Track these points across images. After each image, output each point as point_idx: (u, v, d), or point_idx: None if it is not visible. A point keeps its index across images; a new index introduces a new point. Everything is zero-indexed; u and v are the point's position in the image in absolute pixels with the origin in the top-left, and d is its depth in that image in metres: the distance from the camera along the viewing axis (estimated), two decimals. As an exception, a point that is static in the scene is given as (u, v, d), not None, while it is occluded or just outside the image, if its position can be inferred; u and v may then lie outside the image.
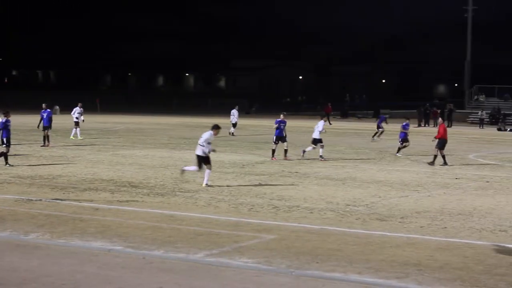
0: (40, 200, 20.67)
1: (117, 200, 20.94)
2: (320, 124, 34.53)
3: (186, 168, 24.74)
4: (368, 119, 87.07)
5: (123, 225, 17.22)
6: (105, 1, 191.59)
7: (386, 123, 50.52)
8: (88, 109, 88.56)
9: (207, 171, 24.11)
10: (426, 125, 73.32)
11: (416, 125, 71.97)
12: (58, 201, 20.57)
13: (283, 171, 29.07)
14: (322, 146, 34.19)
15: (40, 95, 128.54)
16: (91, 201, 20.72)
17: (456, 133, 60.13)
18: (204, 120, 75.44)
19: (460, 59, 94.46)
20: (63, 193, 22.06)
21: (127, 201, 20.87)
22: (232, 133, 50.57)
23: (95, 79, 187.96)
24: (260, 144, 43.26)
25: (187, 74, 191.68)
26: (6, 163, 28.63)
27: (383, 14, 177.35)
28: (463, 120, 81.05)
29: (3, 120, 29.48)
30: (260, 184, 24.95)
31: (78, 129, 44.13)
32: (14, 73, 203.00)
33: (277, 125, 34.19)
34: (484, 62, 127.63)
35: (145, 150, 37.21)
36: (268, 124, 64.48)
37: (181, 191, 22.93)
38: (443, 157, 32.83)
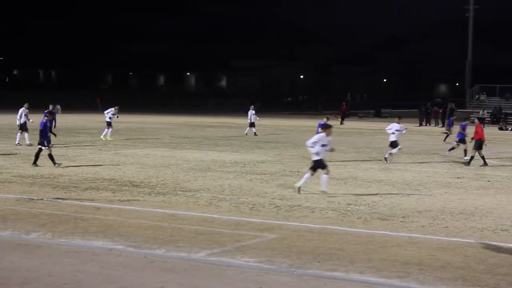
0: (42, 199, 20.67)
1: (119, 200, 20.94)
2: (393, 126, 33.81)
3: (301, 183, 22.90)
4: (369, 119, 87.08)
5: (125, 224, 17.21)
6: (105, 1, 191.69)
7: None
8: (89, 108, 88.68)
9: (324, 176, 22.71)
10: (428, 125, 73.30)
11: (418, 125, 71.98)
12: (59, 200, 20.57)
13: (284, 170, 29.06)
14: (396, 149, 33.41)
15: (41, 94, 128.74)
16: (93, 200, 20.72)
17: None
18: (205, 119, 75.52)
19: (461, 59, 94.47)
20: (65, 192, 22.06)
21: (128, 200, 20.87)
22: (255, 132, 50.00)
23: (96, 78, 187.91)
24: (261, 143, 43.24)
25: (188, 74, 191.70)
26: (54, 163, 28.51)
27: (383, 14, 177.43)
28: (465, 119, 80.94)
29: (44, 121, 29.29)
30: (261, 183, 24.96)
31: (110, 129, 43.78)
32: (15, 72, 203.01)
33: (320, 128, 33.07)
34: (485, 62, 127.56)
35: (146, 150, 37.21)
36: (269, 124, 64.56)
37: (182, 190, 22.93)
38: (482, 157, 32.48)
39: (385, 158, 33.20)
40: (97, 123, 60.51)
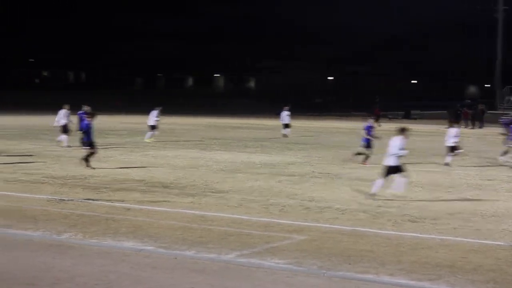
0: (72, 200, 20.78)
1: (148, 201, 21.00)
2: (452, 131, 33.55)
3: (375, 189, 22.44)
4: (399, 120, 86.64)
5: (154, 225, 17.26)
6: (141, 2, 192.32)
7: None
8: (118, 110, 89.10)
9: (402, 179, 22.37)
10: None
11: (447, 126, 71.53)
12: (90, 201, 20.68)
13: (314, 172, 29.01)
14: (455, 154, 33.17)
15: (71, 95, 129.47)
16: (123, 201, 20.80)
17: (488, 134, 59.79)
18: (234, 121, 75.60)
19: (491, 59, 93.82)
20: (95, 193, 22.17)
21: (158, 201, 20.93)
22: (285, 134, 49.70)
23: (125, 80, 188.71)
24: (290, 145, 43.20)
25: (216, 75, 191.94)
26: (87, 165, 28.48)
27: (410, 13, 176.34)
28: (495, 121, 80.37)
29: (86, 122, 29.42)
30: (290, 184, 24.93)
31: (154, 132, 43.75)
32: (45, 73, 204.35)
33: (366, 130, 32.82)
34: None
35: (176, 151, 37.31)
36: (297, 125, 64.41)
37: (212, 192, 22.95)
38: None
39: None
40: (127, 125, 60.82)
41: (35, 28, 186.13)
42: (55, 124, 39.37)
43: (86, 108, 38.98)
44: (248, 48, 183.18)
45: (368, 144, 32.54)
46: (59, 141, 38.44)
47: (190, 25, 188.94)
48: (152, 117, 44.41)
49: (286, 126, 50.17)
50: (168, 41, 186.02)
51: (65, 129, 38.32)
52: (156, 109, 44.64)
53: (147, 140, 43.05)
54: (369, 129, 32.86)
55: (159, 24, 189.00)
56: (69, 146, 37.30)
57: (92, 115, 30.32)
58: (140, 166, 29.99)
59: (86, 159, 28.78)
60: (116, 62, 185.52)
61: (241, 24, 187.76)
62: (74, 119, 40.61)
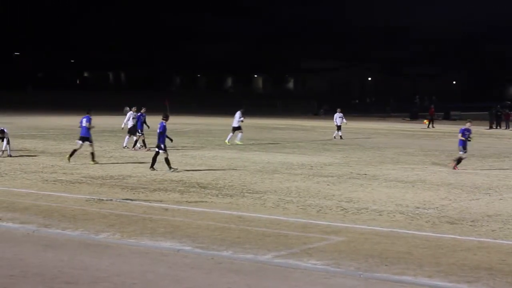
0: (111, 200, 20.93)
1: (186, 201, 21.08)
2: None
3: None
4: (438, 121, 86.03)
5: (192, 225, 17.32)
6: (177, 2, 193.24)
7: None
8: (158, 110, 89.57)
9: None
10: (498, 127, 72.13)
11: (488, 127, 70.95)
12: (128, 201, 20.80)
13: (351, 173, 28.92)
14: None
15: (111, 96, 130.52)
16: (161, 201, 20.90)
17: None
18: (272, 121, 75.59)
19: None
20: (133, 193, 22.30)
21: (196, 201, 21.00)
22: (339, 136, 48.98)
23: (165, 80, 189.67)
24: (328, 145, 43.13)
25: (255, 76, 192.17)
26: (170, 167, 28.07)
27: (454, 14, 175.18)
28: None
29: (163, 123, 29.32)
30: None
31: (240, 134, 42.79)
32: (85, 74, 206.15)
33: (461, 133, 32.08)
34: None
35: (214, 151, 37.40)
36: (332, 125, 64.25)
37: (250, 192, 22.98)
38: None
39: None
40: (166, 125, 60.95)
41: (105, 30, 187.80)
42: (123, 126, 39.10)
43: (143, 109, 38.55)
44: (288, 48, 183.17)
45: (464, 147, 31.64)
46: (126, 144, 38.20)
47: (258, 26, 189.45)
48: (236, 119, 43.21)
49: (338, 128, 49.52)
50: (237, 42, 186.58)
51: (131, 131, 38.06)
52: (240, 111, 43.40)
53: (238, 143, 41.77)
54: (464, 132, 31.57)
55: (227, 25, 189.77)
56: (126, 147, 37.33)
57: (167, 117, 29.73)
58: (178, 166, 30.07)
59: (167, 161, 28.60)
60: (155, 63, 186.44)
61: (310, 25, 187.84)
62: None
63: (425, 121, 72.12)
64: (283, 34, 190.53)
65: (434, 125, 71.28)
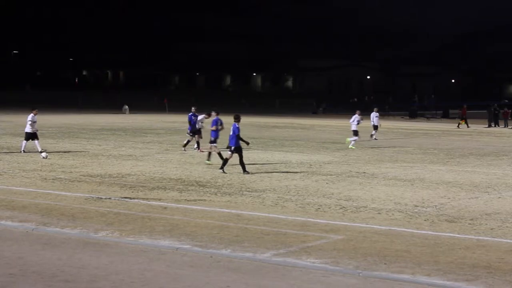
0: (110, 198, 20.93)
1: (185, 199, 21.09)
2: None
3: None
4: (437, 120, 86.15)
5: (191, 224, 17.33)
6: (174, 1, 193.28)
7: None
8: (157, 108, 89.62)
9: None
10: (496, 126, 72.08)
11: (487, 126, 70.94)
12: (127, 199, 20.81)
13: (350, 171, 28.92)
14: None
15: (110, 95, 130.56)
16: (160, 199, 20.91)
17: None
18: (271, 120, 75.60)
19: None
20: (132, 192, 22.31)
21: (194, 200, 21.01)
22: (372, 135, 47.94)
23: (163, 79, 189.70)
24: (327, 144, 43.13)
25: (254, 74, 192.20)
26: (244, 170, 27.46)
27: (453, 13, 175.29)
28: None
29: (237, 125, 29.07)
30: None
31: (357, 138, 41.06)
32: (84, 73, 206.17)
33: None
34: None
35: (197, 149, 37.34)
36: (335, 125, 64.33)
37: (248, 191, 22.99)
38: None
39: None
40: (164, 123, 61.09)
41: (104, 29, 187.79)
42: (197, 126, 38.41)
43: (193, 109, 38.11)
44: (287, 47, 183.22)
45: None
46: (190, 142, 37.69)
47: (256, 25, 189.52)
48: (353, 122, 41.58)
49: (375, 128, 48.52)
50: (235, 41, 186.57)
51: (197, 132, 37.43)
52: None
53: (351, 147, 39.98)
54: None
55: (225, 24, 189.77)
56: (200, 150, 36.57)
57: (239, 118, 28.86)
58: (177, 164, 30.11)
59: (241, 162, 28.13)
60: (154, 62, 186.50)
61: (308, 24, 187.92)
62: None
63: (461, 121, 70.56)
64: (282, 32, 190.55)
65: (468, 124, 70.20)
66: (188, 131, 36.97)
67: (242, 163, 27.48)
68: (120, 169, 28.16)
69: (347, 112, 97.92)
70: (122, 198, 21.03)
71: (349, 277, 13.06)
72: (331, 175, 27.56)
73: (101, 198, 20.93)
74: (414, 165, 32.14)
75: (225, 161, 27.93)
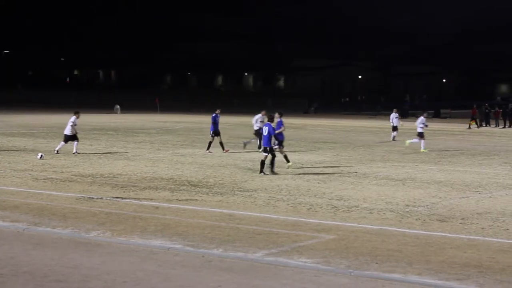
0: (101, 198, 20.92)
1: (177, 199, 21.09)
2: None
3: None
4: (428, 120, 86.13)
5: (183, 223, 17.33)
6: (166, 1, 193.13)
7: None
8: (148, 108, 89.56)
9: None
10: (487, 125, 72.18)
11: (477, 126, 71.06)
12: (118, 199, 20.80)
13: (342, 171, 28.95)
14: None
15: (101, 94, 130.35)
16: (151, 199, 20.90)
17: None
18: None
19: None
20: (124, 192, 22.29)
21: (186, 200, 21.01)
22: (394, 137, 47.20)
23: (156, 78, 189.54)
24: (318, 143, 43.17)
25: (246, 74, 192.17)
26: (261, 170, 27.32)
27: (444, 13, 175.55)
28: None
29: (271, 125, 28.96)
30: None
31: (423, 140, 39.81)
32: (76, 72, 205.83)
33: None
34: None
35: (204, 149, 37.34)
36: (327, 124, 64.36)
37: (240, 190, 23.00)
38: None
39: None
40: (156, 123, 61.03)
41: (96, 28, 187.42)
42: (255, 128, 37.87)
43: (218, 110, 37.50)
44: (279, 47, 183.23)
45: None
46: (247, 143, 37.47)
47: (248, 25, 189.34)
48: (419, 124, 40.22)
49: (394, 128, 47.94)
50: (227, 41, 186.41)
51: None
52: (423, 116, 40.71)
53: (423, 150, 38.75)
54: None
55: (218, 24, 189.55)
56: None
57: (272, 118, 28.48)
58: (168, 164, 30.10)
59: (286, 158, 28.56)
60: (146, 61, 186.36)
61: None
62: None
63: (471, 122, 70.20)
64: (274, 32, 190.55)
65: (478, 124, 69.81)
66: (211, 132, 36.38)
67: (272, 164, 27.36)
68: (112, 169, 28.13)
69: (339, 112, 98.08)
70: (113, 198, 21.02)
71: (341, 277, 13.08)
72: (322, 174, 27.59)
73: (93, 198, 20.91)
74: (406, 164, 32.19)
75: (262, 163, 27.53)
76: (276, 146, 28.94)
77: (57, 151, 33.19)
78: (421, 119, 40.78)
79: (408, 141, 41.01)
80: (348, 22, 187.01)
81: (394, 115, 48.44)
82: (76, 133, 34.07)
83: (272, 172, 27.33)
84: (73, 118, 33.95)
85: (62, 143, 33.66)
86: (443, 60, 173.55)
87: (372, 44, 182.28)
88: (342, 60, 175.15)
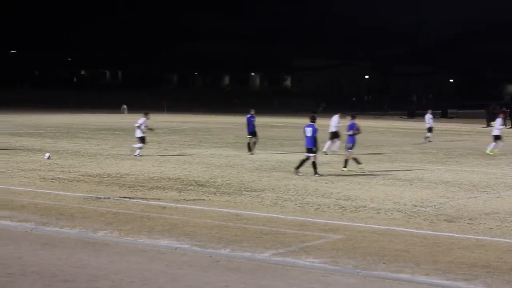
0: (108, 198, 20.93)
1: (184, 199, 21.09)
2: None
3: None
4: (436, 120, 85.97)
5: (190, 223, 17.33)
6: (170, 1, 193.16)
7: None
8: (155, 108, 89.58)
9: None
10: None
11: (485, 125, 70.85)
12: (126, 199, 20.81)
13: (350, 171, 28.91)
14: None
15: (107, 94, 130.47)
16: (158, 199, 20.91)
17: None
18: (270, 119, 75.51)
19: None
20: (131, 191, 22.31)
21: (194, 199, 21.01)
22: (428, 137, 46.28)
23: (161, 79, 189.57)
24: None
25: (252, 74, 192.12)
26: (316, 172, 26.98)
27: (448, 12, 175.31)
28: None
29: (352, 123, 28.58)
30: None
31: (500, 143, 38.20)
32: (82, 72, 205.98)
33: None
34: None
35: (212, 149, 37.40)
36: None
37: (247, 190, 22.99)
38: None
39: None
40: (162, 123, 60.98)
41: (101, 28, 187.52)
42: (332, 130, 37.44)
43: (252, 111, 37.04)
44: (284, 47, 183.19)
45: None
46: (328, 148, 36.50)
47: (254, 24, 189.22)
48: (496, 127, 38.68)
49: (429, 130, 46.93)
50: (233, 41, 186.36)
51: (335, 135, 36.63)
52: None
53: (488, 152, 37.74)
54: None
55: (223, 24, 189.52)
56: (325, 153, 35.47)
57: (315, 118, 28.02)
58: (175, 164, 30.10)
59: (357, 159, 28.53)
60: (152, 61, 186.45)
61: (306, 23, 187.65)
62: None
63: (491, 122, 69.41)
64: (280, 32, 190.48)
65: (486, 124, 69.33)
66: (248, 132, 36.10)
67: (314, 165, 27.22)
68: (119, 168, 28.15)
69: (344, 112, 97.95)
70: (121, 197, 21.04)
71: (348, 277, 13.07)
72: (330, 174, 27.55)
73: (100, 197, 20.93)
74: (413, 164, 32.14)
75: (314, 164, 27.26)
76: (350, 150, 28.76)
77: (139, 155, 32.74)
78: (500, 120, 39.52)
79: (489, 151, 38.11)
80: (351, 22, 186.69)
81: (429, 116, 47.50)
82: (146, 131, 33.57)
83: (296, 170, 27.23)
84: (141, 119, 33.56)
85: (140, 144, 33.25)
86: (443, 60, 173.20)
87: (372, 44, 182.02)
88: (342, 60, 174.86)
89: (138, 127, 33.42)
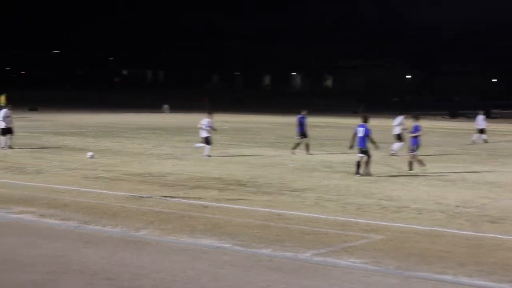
0: (150, 197, 21.03)
1: (225, 198, 21.12)
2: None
3: None
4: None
5: (232, 223, 17.35)
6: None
7: None
8: (197, 108, 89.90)
9: None
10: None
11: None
12: (167, 198, 20.89)
13: (391, 171, 28.76)
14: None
15: (149, 94, 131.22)
16: (200, 199, 20.96)
17: None
18: (311, 119, 75.31)
19: None
20: (173, 191, 22.39)
21: (235, 199, 21.03)
22: (485, 140, 45.85)
23: (203, 78, 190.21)
24: (368, 144, 42.77)
25: (294, 74, 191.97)
26: (358, 172, 27.13)
27: (491, 11, 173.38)
28: None
29: (418, 126, 28.67)
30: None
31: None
32: (124, 72, 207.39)
33: None
34: None
35: (253, 149, 37.43)
36: (377, 124, 63.87)
37: (288, 190, 22.96)
38: None
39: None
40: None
41: (144, 28, 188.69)
42: (396, 131, 37.36)
43: (304, 111, 36.69)
44: (326, 46, 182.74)
45: None
46: (392, 150, 36.00)
47: (296, 24, 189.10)
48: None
49: (481, 131, 46.43)
50: (275, 41, 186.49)
51: (399, 137, 36.56)
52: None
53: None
54: None
55: (267, 24, 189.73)
56: (394, 154, 35.44)
57: (367, 118, 28.08)
58: (217, 164, 30.16)
59: (421, 161, 28.51)
60: (192, 61, 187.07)
61: (349, 23, 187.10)
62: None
63: None
64: (322, 31, 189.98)
65: None
66: (298, 133, 35.93)
67: (367, 165, 27.16)
68: (161, 168, 28.29)
69: (387, 111, 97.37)
70: (162, 197, 21.13)
71: (390, 277, 12.98)
72: (372, 175, 27.40)
73: (142, 196, 21.04)
74: (456, 165, 31.88)
75: (358, 164, 27.26)
76: (414, 152, 28.62)
77: (209, 155, 32.80)
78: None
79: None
80: (393, 22, 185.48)
81: (481, 117, 46.84)
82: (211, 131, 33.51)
83: (367, 173, 27.02)
84: (205, 120, 33.62)
85: (205, 145, 33.20)
86: (489, 60, 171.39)
87: (417, 44, 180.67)
88: (387, 60, 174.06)
89: (204, 127, 33.28)
